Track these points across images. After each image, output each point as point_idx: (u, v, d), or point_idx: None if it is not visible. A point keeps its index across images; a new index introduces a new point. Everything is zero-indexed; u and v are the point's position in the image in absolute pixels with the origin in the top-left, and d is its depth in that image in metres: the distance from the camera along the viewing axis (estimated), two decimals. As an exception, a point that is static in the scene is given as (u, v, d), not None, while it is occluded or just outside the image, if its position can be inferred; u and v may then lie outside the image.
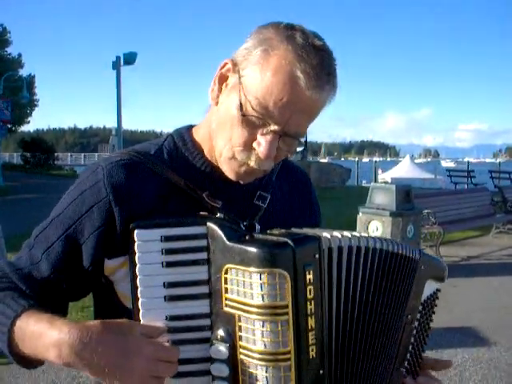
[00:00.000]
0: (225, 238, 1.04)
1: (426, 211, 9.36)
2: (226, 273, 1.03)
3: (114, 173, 1.15)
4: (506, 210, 12.31)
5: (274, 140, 1.08)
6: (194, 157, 1.23)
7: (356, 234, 1.11)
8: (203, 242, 1.07)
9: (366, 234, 1.13)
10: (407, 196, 8.64)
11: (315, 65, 1.05)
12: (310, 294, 1.00)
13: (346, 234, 1.10)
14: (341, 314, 1.08)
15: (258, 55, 1.07)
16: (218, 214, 1.13)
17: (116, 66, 21.62)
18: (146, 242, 1.06)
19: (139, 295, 1.07)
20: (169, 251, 1.06)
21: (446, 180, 28.35)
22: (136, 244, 1.06)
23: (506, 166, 38.85)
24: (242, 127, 1.10)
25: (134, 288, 1.08)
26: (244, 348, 1.02)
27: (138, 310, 1.08)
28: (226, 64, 1.15)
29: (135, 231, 1.07)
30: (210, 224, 1.07)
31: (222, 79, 1.16)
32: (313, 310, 1.01)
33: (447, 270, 1.25)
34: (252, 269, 0.99)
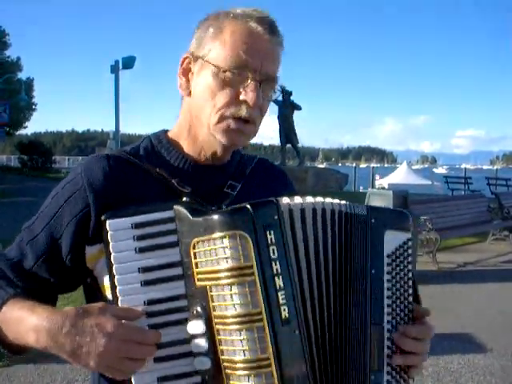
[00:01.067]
0: (189, 215, 1.08)
1: (422, 217, 9.37)
2: (194, 248, 1.07)
3: (90, 166, 1.22)
4: (503, 217, 12.32)
5: (257, 87, 1.18)
6: (170, 152, 1.30)
7: (311, 198, 1.13)
8: (172, 226, 1.10)
9: (321, 199, 1.14)
10: (404, 202, 8.65)
11: (260, 17, 1.20)
12: (274, 254, 1.03)
13: (309, 198, 1.12)
14: (311, 274, 1.09)
15: (212, 33, 1.21)
16: (185, 198, 1.17)
17: (114, 69, 21.64)
18: (118, 230, 1.10)
19: (116, 283, 1.10)
20: (140, 237, 1.10)
21: (442, 186, 28.39)
22: (109, 234, 1.10)
23: (503, 173, 38.95)
24: (223, 89, 1.19)
25: (112, 277, 1.10)
26: (218, 317, 1.04)
27: (117, 297, 1.10)
28: (185, 59, 1.26)
29: (107, 222, 1.11)
30: (176, 207, 1.11)
31: (186, 72, 1.26)
32: (279, 270, 1.03)
33: (410, 219, 1.21)
34: (215, 235, 1.03)
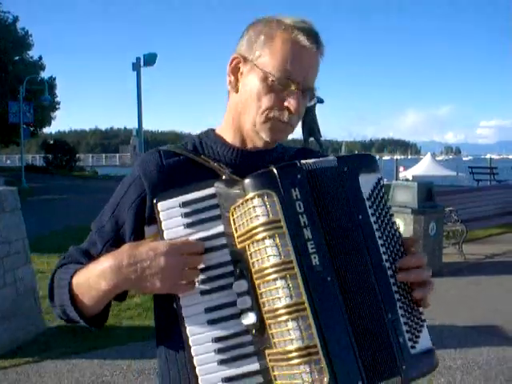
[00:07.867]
0: (226, 188, 1.21)
1: (448, 209, 9.29)
2: (232, 215, 1.18)
3: (144, 159, 1.41)
4: (531, 207, 12.13)
5: (299, 96, 1.32)
6: (215, 142, 1.45)
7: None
8: (214, 201, 1.23)
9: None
10: (429, 193, 8.59)
11: (307, 29, 1.32)
12: (300, 208, 1.13)
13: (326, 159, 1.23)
14: (333, 227, 1.16)
15: (263, 40, 1.33)
16: (224, 177, 1.29)
17: (136, 67, 21.76)
18: (168, 210, 1.24)
19: None
20: (187, 214, 1.23)
21: (467, 177, 28.04)
22: (160, 214, 1.24)
23: (529, 163, 38.19)
24: (269, 94, 1.32)
25: None
26: (257, 272, 1.13)
27: None
28: (234, 59, 1.39)
29: (158, 204, 1.25)
30: (216, 184, 1.24)
31: (235, 70, 1.39)
32: (307, 223, 1.12)
33: (375, 160, 1.27)
34: (246, 197, 1.14)
